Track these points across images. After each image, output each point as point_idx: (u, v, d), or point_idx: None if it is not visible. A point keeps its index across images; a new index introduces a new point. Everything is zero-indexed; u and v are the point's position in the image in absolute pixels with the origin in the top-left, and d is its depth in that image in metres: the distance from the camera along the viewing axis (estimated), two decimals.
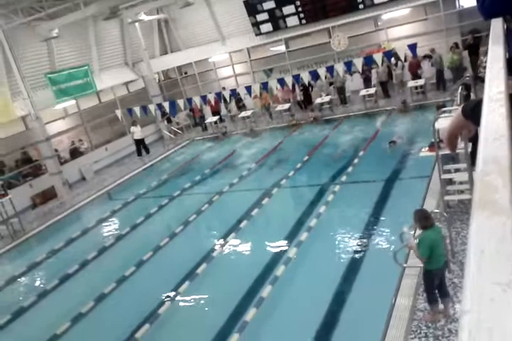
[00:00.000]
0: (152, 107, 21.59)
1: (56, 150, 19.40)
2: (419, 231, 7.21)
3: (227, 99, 21.70)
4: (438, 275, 6.64)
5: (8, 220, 14.90)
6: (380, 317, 6.99)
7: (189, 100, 21.88)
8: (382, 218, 10.86)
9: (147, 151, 21.66)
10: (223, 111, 24.19)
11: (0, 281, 11.97)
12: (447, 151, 9.35)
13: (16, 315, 10.31)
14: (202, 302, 9.17)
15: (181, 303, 9.33)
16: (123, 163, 20.85)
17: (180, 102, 21.53)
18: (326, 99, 20.91)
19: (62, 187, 18.19)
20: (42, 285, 11.44)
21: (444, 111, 9.32)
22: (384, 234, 10.08)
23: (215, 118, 23.06)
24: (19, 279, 12.11)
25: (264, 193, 13.90)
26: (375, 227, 10.50)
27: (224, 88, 23.56)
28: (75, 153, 20.93)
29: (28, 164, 19.11)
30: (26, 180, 18.33)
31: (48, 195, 18.02)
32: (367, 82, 20.98)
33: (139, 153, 21.53)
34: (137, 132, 21.19)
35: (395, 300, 7.27)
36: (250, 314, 8.26)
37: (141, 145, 21.53)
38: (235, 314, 8.53)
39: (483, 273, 0.61)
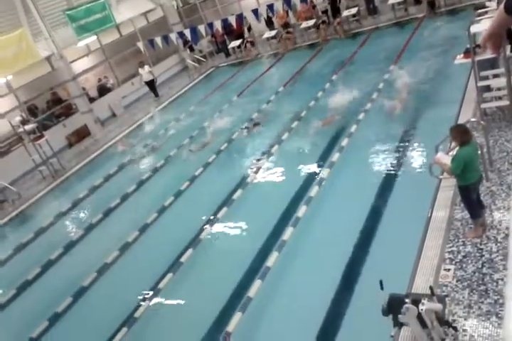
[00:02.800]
0: (173, 36, 21.04)
1: (84, 89, 19.43)
2: (455, 148, 6.99)
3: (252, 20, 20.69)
4: (475, 189, 6.48)
5: (47, 161, 15.33)
6: (417, 230, 7.01)
7: (210, 25, 21.12)
8: (416, 130, 10.61)
9: (156, 94, 20.48)
10: (246, 33, 23.31)
11: (48, 218, 12.54)
12: (484, 56, 8.83)
13: (67, 248, 10.89)
14: (239, 228, 9.42)
15: (220, 228, 9.59)
16: (151, 96, 20.73)
17: (201, 28, 20.86)
18: (354, 10, 19.80)
19: (94, 125, 18.42)
20: (87, 220, 11.92)
21: (481, 14, 8.69)
22: (419, 147, 9.87)
23: (238, 42, 22.31)
24: (65, 215, 12.64)
25: (294, 117, 13.69)
26: (410, 141, 10.28)
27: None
28: (103, 90, 20.90)
29: (58, 104, 19.29)
30: (59, 120, 18.59)
31: (81, 134, 18.31)
32: None
33: (156, 94, 20.51)
34: (145, 74, 19.89)
35: (432, 212, 7.23)
36: (288, 233, 8.47)
37: (154, 85, 20.37)
38: (274, 234, 8.75)
39: None
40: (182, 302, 8.02)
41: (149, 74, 20.03)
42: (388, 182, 9.13)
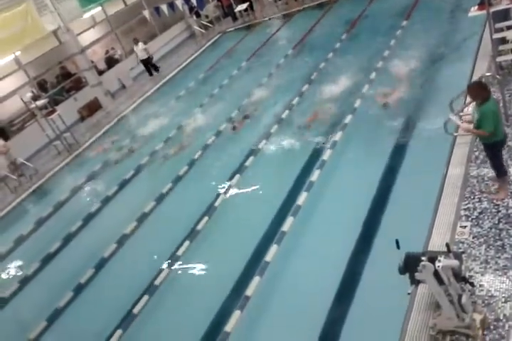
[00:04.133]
0: (179, 3, 20.62)
1: (92, 62, 19.27)
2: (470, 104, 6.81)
3: None
4: (502, 145, 6.30)
5: (61, 135, 15.40)
6: (433, 189, 6.93)
7: None
8: (430, 87, 10.39)
9: (156, 69, 19.78)
10: None
11: (66, 192, 12.69)
12: (499, 7, 8.52)
13: (86, 221, 11.05)
14: (255, 193, 9.45)
15: (235, 195, 9.63)
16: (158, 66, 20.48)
17: None
18: None
19: (104, 98, 18.37)
20: (104, 192, 12.02)
21: None
22: (433, 104, 9.66)
23: (245, 5, 21.78)
24: (82, 189, 12.76)
25: (304, 79, 13.47)
26: (423, 97, 10.08)
27: None
28: (111, 61, 20.70)
29: (68, 78, 19.21)
30: (70, 94, 18.56)
31: (93, 107, 18.29)
32: None
33: (150, 73, 19.77)
34: (140, 51, 19.00)
35: (447, 169, 7.13)
36: (302, 198, 8.47)
37: (148, 64, 19.59)
38: (289, 199, 8.76)
39: None
40: (200, 268, 8.13)
41: (144, 52, 19.10)
42: (403, 141, 9.01)
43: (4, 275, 10.37)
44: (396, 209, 7.30)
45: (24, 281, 9.76)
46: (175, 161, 12.11)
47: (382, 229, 7.07)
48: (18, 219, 12.63)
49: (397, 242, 4.95)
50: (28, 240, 11.37)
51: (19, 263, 10.62)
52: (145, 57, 19.22)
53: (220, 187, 10.01)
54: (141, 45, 19.07)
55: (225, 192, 9.76)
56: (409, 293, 5.20)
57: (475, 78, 8.56)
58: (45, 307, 8.69)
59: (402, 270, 4.97)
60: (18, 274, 10.18)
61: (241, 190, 9.71)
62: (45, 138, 15.63)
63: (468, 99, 6.87)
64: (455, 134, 7.59)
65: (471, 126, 6.15)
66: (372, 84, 11.58)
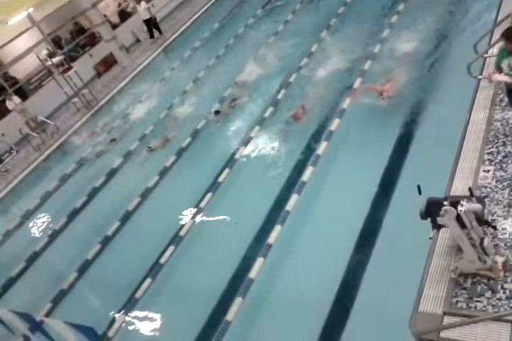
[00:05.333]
0: None
1: (105, 16, 18.90)
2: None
3: None
4: None
5: (79, 92, 15.40)
6: (456, 134, 6.79)
7: None
8: (454, 26, 10.04)
9: (159, 31, 18.59)
10: None
11: (88, 148, 12.85)
12: None
13: (110, 176, 11.24)
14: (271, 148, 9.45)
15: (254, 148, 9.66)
16: (173, 17, 20.00)
17: None
18: None
19: (120, 53, 18.14)
20: (125, 147, 12.08)
21: None
22: (456, 46, 9.34)
23: None
24: (103, 144, 12.82)
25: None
26: (446, 39, 9.75)
27: None
28: (124, 15, 20.27)
29: (82, 34, 18.94)
30: (85, 50, 18.35)
31: (109, 62, 18.10)
32: None
33: (151, 35, 18.46)
34: (142, 12, 17.90)
35: (470, 114, 6.95)
36: (322, 147, 8.42)
37: (151, 25, 18.29)
38: (307, 149, 8.73)
39: None
40: (223, 218, 8.26)
41: (146, 12, 18.00)
42: (426, 85, 8.78)
43: (34, 230, 10.71)
44: (418, 154, 7.23)
45: (53, 235, 10.08)
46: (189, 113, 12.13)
47: (404, 174, 7.04)
48: (42, 177, 12.90)
49: (418, 188, 4.92)
50: (54, 196, 11.64)
51: (47, 218, 10.95)
52: (147, 17, 18.12)
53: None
54: (143, 4, 17.97)
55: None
56: (430, 238, 5.22)
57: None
58: (75, 259, 9.00)
59: (424, 215, 4.97)
60: (46, 229, 10.50)
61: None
62: (64, 95, 15.63)
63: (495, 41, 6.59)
64: (479, 77, 7.35)
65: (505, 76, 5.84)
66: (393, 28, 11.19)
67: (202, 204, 8.66)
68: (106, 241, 9.12)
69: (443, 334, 4.57)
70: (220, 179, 9.06)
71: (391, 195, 6.82)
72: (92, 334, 4.31)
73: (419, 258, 5.31)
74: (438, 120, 7.68)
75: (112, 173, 11.31)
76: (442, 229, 5.17)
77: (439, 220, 4.80)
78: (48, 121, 14.97)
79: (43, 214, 11.18)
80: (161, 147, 11.18)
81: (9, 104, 14.23)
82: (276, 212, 7.57)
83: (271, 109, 10.51)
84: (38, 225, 10.82)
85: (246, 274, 6.74)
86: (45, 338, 4.82)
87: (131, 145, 11.95)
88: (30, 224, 10.95)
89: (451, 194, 5.73)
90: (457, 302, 4.73)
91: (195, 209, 8.63)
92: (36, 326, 4.87)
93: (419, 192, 4.91)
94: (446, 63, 9.10)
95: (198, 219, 8.47)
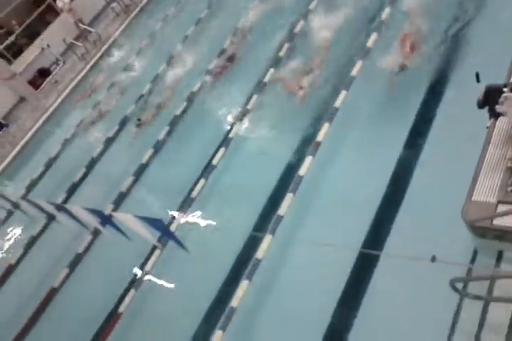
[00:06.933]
0: None
1: None
2: None
3: None
4: None
5: None
6: None
7: None
8: None
9: None
10: None
11: (131, 54, 12.73)
12: None
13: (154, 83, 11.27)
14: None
15: None
16: None
17: None
18: None
19: None
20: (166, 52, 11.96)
21: None
22: None
23: None
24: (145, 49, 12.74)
25: None
26: None
27: None
28: None
29: None
30: None
31: None
32: None
33: None
34: None
35: None
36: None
37: None
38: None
39: None
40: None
41: None
42: None
43: (88, 141, 11.00)
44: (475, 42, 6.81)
45: (108, 142, 10.44)
46: None
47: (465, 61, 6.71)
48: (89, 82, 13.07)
49: (477, 75, 4.69)
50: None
51: (98, 128, 11.16)
52: None
53: None
54: None
55: None
56: (487, 127, 5.08)
57: None
58: (130, 164, 9.35)
59: (482, 103, 4.79)
60: (100, 138, 10.76)
61: None
62: (102, 0, 15.28)
63: None
64: None
65: None
66: None
67: None
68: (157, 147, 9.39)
69: (496, 221, 4.61)
70: None
71: (446, 84, 6.55)
72: (160, 225, 4.52)
73: (474, 148, 5.21)
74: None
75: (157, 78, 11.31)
76: (500, 119, 5.01)
77: (498, 108, 4.65)
78: (90, 28, 14.77)
79: (95, 125, 11.42)
80: None
81: (59, 2, 14.26)
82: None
83: None
84: (89, 137, 11.02)
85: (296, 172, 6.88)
86: (115, 231, 5.09)
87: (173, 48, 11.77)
88: (85, 135, 11.18)
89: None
90: None
91: None
92: (106, 220, 5.13)
93: (478, 80, 4.70)
94: None
95: None
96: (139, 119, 10.25)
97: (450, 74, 6.75)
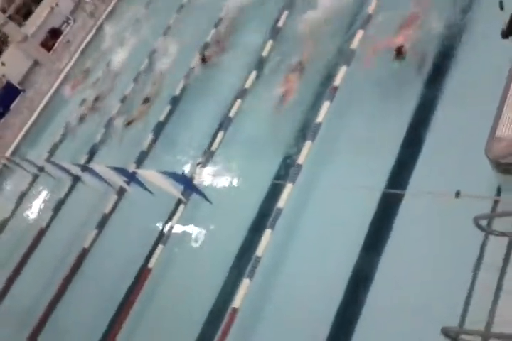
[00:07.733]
0: None
1: None
2: None
3: None
4: None
5: None
6: None
7: None
8: None
9: None
10: None
11: (140, 9, 12.33)
12: None
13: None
14: None
15: None
16: None
17: None
18: None
19: None
20: None
21: None
22: None
23: None
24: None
25: None
26: None
27: None
28: None
29: None
30: None
31: None
32: None
33: None
34: None
35: None
36: None
37: None
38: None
39: None
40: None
41: None
42: None
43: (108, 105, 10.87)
44: None
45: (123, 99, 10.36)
46: None
47: None
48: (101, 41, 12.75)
49: (500, 2, 4.39)
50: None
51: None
52: None
53: None
54: None
55: None
56: None
57: None
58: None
59: (506, 33, 4.53)
60: (118, 94, 10.65)
61: None
62: None
63: None
64: None
65: None
66: None
67: None
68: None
69: None
70: None
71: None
72: (184, 180, 4.53)
73: (499, 83, 4.97)
74: None
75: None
76: None
77: None
78: None
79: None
80: None
81: None
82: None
83: None
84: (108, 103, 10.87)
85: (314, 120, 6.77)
86: (140, 189, 5.12)
87: None
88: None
89: None
90: None
91: None
92: (131, 177, 5.16)
93: (501, 7, 4.40)
94: None
95: None
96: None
97: None
